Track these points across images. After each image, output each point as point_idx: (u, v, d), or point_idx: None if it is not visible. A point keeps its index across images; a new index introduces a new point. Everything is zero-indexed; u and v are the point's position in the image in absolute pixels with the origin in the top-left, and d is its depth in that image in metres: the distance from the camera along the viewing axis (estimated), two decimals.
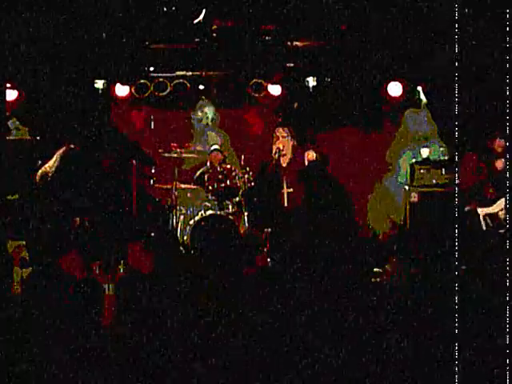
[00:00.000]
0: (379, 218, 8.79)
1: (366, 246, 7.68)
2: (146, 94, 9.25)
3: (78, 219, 7.00)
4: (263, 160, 7.85)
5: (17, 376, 4.09)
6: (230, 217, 8.12)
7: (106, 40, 8.14)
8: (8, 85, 8.44)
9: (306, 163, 7.21)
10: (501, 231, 6.79)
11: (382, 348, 4.32)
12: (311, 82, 8.99)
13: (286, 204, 7.20)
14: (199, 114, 9.61)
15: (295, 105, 9.26)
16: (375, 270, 6.68)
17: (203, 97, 9.44)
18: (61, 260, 6.17)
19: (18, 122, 8.78)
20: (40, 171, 7.09)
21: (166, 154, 8.47)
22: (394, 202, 8.84)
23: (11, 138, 8.72)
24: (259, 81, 9.06)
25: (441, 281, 5.45)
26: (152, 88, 9.18)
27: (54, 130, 8.81)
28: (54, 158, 7.06)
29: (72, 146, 7.12)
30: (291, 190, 7.22)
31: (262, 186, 7.50)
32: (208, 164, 9.00)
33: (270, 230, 7.33)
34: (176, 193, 8.32)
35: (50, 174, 6.95)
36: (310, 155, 7.17)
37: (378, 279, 6.07)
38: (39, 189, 7.01)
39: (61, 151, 7.07)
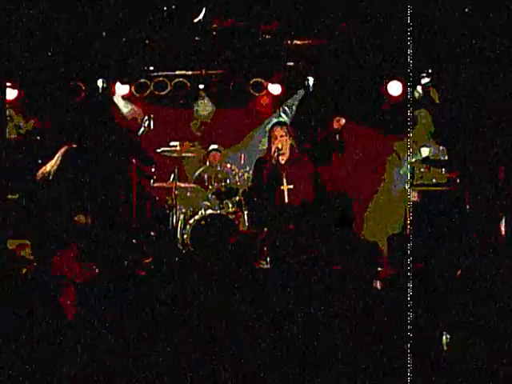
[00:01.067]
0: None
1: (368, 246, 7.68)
2: (146, 93, 9.28)
3: (82, 217, 7.01)
4: (260, 157, 7.88)
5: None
6: (230, 216, 8.13)
7: (106, 39, 8.15)
8: (8, 83, 8.45)
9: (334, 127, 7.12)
10: None
11: (382, 349, 4.32)
12: (311, 81, 9.02)
13: (286, 200, 7.20)
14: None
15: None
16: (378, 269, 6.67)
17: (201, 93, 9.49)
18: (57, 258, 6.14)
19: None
20: (41, 170, 7.10)
21: (166, 154, 8.47)
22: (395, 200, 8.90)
23: (12, 136, 8.75)
24: (259, 80, 9.08)
25: (442, 280, 5.44)
26: (152, 87, 9.21)
27: (54, 128, 8.86)
28: (55, 157, 7.07)
29: (74, 146, 7.13)
30: (291, 186, 7.22)
31: (259, 183, 7.49)
32: (207, 164, 9.03)
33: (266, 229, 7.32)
34: (176, 192, 8.33)
35: (51, 173, 6.96)
36: (340, 121, 7.09)
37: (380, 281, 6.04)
38: (40, 187, 7.02)
39: (63, 150, 7.08)
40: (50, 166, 7.03)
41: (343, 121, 7.05)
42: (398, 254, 6.37)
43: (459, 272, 5.29)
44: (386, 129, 9.18)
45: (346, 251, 6.03)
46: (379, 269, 6.45)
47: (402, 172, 9.05)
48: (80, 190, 7.04)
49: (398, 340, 4.41)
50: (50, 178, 6.96)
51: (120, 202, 8.17)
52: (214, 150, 9.15)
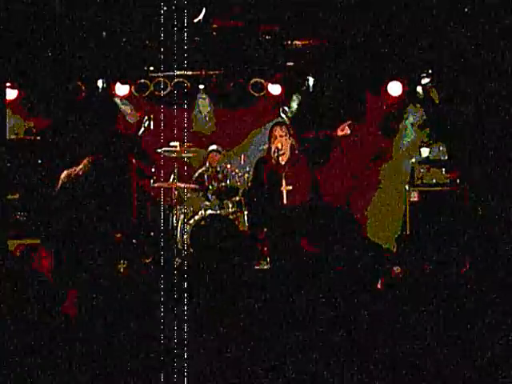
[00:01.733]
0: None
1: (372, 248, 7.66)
2: (146, 94, 9.27)
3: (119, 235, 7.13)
4: (261, 157, 7.88)
5: None
6: (230, 216, 8.13)
7: (107, 39, 8.15)
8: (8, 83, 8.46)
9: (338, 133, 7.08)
10: None
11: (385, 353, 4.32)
12: (311, 81, 9.02)
13: (285, 201, 7.19)
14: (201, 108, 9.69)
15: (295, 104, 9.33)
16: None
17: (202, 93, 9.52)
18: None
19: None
20: (67, 173, 7.10)
21: (167, 154, 8.47)
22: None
23: (13, 137, 8.75)
24: (259, 80, 9.08)
25: (444, 279, 5.44)
26: (152, 87, 9.21)
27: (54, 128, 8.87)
28: (82, 164, 7.09)
29: (100, 156, 7.18)
30: (291, 187, 7.21)
31: (259, 183, 7.48)
32: (207, 164, 9.04)
33: (266, 229, 7.31)
34: (176, 192, 8.33)
35: (80, 177, 6.98)
36: (345, 131, 7.03)
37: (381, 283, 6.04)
38: (62, 189, 7.05)
39: (90, 158, 7.11)
40: (78, 169, 7.05)
41: (348, 130, 6.96)
42: (406, 254, 6.37)
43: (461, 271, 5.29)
44: (386, 128, 9.20)
45: (348, 251, 6.02)
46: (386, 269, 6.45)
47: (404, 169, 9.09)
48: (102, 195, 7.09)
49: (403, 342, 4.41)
50: (80, 178, 6.99)
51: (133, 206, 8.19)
52: (213, 151, 9.16)
